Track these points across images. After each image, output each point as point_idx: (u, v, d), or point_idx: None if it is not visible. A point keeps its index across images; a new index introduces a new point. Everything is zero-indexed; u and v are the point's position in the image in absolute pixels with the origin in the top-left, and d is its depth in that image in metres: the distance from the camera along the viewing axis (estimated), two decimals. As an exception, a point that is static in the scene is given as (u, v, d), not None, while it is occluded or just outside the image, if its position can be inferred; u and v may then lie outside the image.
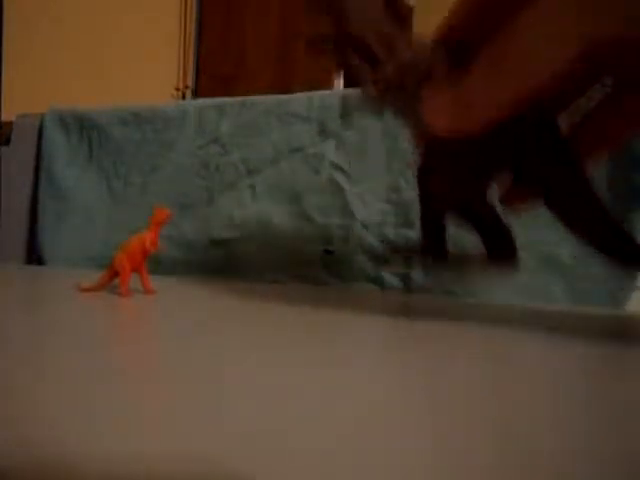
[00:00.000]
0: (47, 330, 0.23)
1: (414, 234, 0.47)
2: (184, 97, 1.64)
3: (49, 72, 1.22)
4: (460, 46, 0.24)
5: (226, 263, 0.52)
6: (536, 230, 0.45)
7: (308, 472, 0.10)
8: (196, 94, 1.69)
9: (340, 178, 0.49)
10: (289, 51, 1.53)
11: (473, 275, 0.24)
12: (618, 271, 0.43)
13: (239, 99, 0.55)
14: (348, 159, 0.49)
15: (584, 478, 0.10)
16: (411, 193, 0.48)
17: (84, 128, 0.60)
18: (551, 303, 0.44)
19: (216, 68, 1.69)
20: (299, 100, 0.52)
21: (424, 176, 0.27)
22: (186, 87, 1.67)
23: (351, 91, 0.52)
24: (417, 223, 0.47)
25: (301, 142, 0.51)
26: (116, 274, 0.34)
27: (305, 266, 0.50)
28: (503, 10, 0.22)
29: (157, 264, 0.53)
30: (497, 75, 0.21)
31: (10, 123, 0.63)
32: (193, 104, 0.58)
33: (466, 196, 0.25)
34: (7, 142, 0.62)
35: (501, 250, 0.26)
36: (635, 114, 0.24)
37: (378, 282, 0.47)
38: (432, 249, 0.28)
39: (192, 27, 1.70)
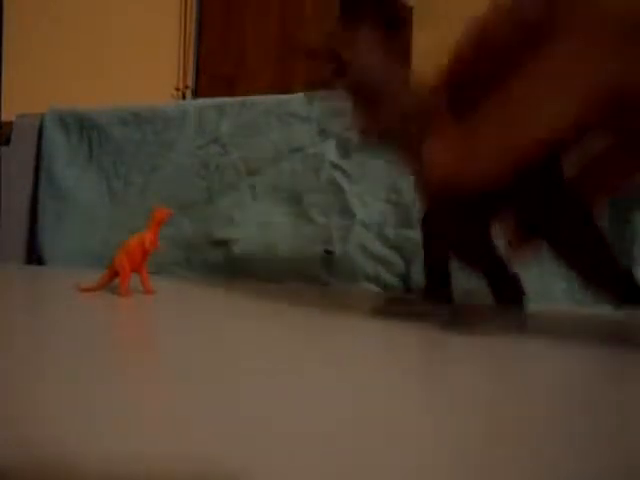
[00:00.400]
0: (47, 330, 0.23)
1: (414, 234, 0.47)
2: (184, 97, 1.64)
3: (49, 72, 1.22)
4: (463, 93, 0.24)
5: (226, 263, 0.52)
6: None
7: (309, 473, 0.10)
8: (196, 94, 1.69)
9: (340, 178, 0.49)
10: (289, 51, 1.52)
11: (479, 324, 0.24)
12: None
13: (239, 99, 0.55)
14: (348, 159, 0.49)
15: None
16: (411, 193, 0.48)
17: (84, 128, 0.60)
18: (551, 303, 0.44)
19: (216, 68, 1.69)
20: (299, 100, 0.52)
21: (428, 220, 0.26)
22: (186, 87, 1.67)
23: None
24: (417, 223, 0.47)
25: (301, 142, 0.51)
26: (116, 274, 0.34)
27: (305, 266, 0.50)
28: (511, 56, 0.21)
29: (157, 264, 0.53)
30: (510, 124, 0.20)
31: (10, 123, 0.63)
32: (193, 104, 0.58)
33: (471, 240, 0.25)
34: (7, 142, 0.62)
35: (509, 295, 0.25)
36: None
37: (378, 282, 0.47)
38: (435, 294, 0.27)
39: (192, 27, 1.70)
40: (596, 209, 0.24)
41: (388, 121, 0.24)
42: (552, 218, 0.24)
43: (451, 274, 0.27)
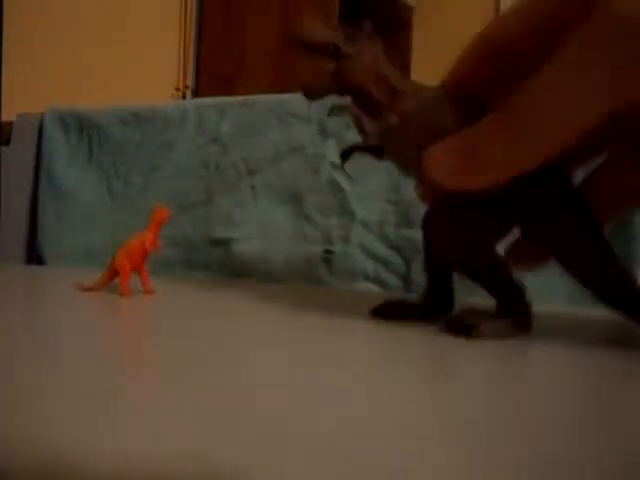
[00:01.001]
0: (47, 330, 0.23)
1: (414, 234, 0.47)
2: (184, 97, 1.64)
3: (49, 72, 1.22)
4: (469, 99, 0.24)
5: (226, 263, 0.52)
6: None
7: (311, 473, 0.10)
8: (196, 94, 1.69)
9: (340, 178, 0.49)
10: (289, 51, 1.53)
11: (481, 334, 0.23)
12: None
13: (239, 99, 0.55)
14: (348, 159, 0.49)
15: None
16: (411, 193, 0.48)
17: (84, 128, 0.60)
18: (551, 303, 0.44)
19: (216, 68, 1.69)
20: (299, 100, 0.52)
21: (429, 225, 0.26)
22: (186, 87, 1.67)
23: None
24: (417, 223, 0.47)
25: (301, 142, 0.51)
26: (116, 274, 0.34)
27: (305, 266, 0.50)
28: (520, 64, 0.21)
29: (157, 264, 0.53)
30: (518, 133, 0.20)
31: (10, 123, 0.63)
32: (193, 104, 0.58)
33: (472, 249, 0.24)
34: (7, 142, 0.62)
35: (513, 308, 0.24)
36: None
37: (378, 282, 0.47)
38: (435, 300, 0.26)
39: (192, 27, 1.70)
40: (605, 223, 0.24)
41: (391, 126, 0.24)
42: (559, 231, 0.23)
43: (452, 282, 0.26)
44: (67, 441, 0.11)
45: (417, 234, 0.48)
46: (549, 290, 0.45)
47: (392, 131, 0.24)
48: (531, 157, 0.20)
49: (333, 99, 0.27)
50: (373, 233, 0.48)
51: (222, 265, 0.52)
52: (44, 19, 1.21)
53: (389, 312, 0.27)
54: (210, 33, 1.72)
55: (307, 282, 0.50)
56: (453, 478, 0.10)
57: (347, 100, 0.26)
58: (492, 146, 0.20)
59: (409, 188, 0.48)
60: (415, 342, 0.23)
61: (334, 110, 0.27)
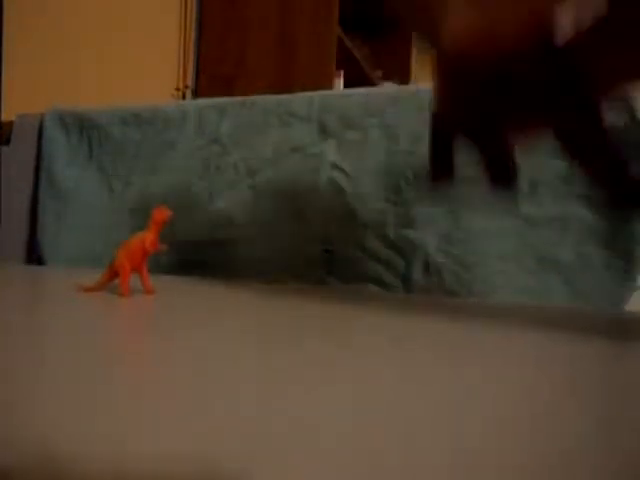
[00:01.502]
0: (47, 330, 0.23)
1: (414, 234, 0.47)
2: (184, 97, 1.64)
3: (49, 72, 1.22)
4: None
5: (226, 263, 0.52)
6: (536, 230, 0.45)
7: (304, 472, 0.10)
8: (196, 94, 1.69)
9: (340, 178, 0.49)
10: (289, 51, 1.53)
11: (475, 198, 0.24)
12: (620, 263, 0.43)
13: (239, 99, 0.55)
14: (348, 159, 0.49)
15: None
16: (411, 193, 0.48)
17: (84, 128, 0.60)
18: (551, 303, 0.44)
19: (216, 68, 1.69)
20: (299, 100, 0.52)
21: (439, 95, 0.26)
22: (186, 87, 1.67)
23: (351, 91, 0.52)
24: (417, 223, 0.48)
25: (301, 142, 0.51)
26: (116, 274, 0.34)
27: (305, 266, 0.50)
28: None
29: (157, 264, 0.53)
30: None
31: (10, 123, 0.63)
32: (193, 104, 0.58)
33: (478, 120, 0.25)
34: (7, 142, 0.62)
35: (503, 177, 0.26)
36: None
37: (378, 282, 0.47)
38: (439, 166, 0.28)
39: (192, 27, 1.70)
40: (603, 104, 0.24)
41: None
42: (561, 109, 0.24)
43: (454, 150, 0.27)
44: (65, 440, 0.11)
45: (417, 234, 0.48)
46: (549, 290, 0.45)
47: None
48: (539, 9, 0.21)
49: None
50: (373, 233, 0.48)
51: (222, 265, 0.52)
52: (44, 19, 1.21)
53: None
54: (210, 33, 1.72)
55: (307, 282, 0.50)
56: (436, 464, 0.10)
57: None
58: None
59: (409, 188, 0.48)
60: (410, 341, 0.23)
61: None
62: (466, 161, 0.27)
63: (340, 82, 1.61)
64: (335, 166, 0.49)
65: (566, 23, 0.22)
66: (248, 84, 1.57)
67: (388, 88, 0.53)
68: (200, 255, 0.53)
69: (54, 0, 1.25)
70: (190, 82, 1.71)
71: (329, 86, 1.32)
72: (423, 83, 0.27)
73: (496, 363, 0.20)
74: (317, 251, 0.49)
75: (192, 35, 1.71)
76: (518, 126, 0.26)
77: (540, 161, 0.46)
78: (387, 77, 2.06)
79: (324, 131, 0.50)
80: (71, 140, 0.59)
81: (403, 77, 2.08)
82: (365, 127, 0.49)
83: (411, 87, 0.52)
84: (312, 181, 0.50)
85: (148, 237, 0.35)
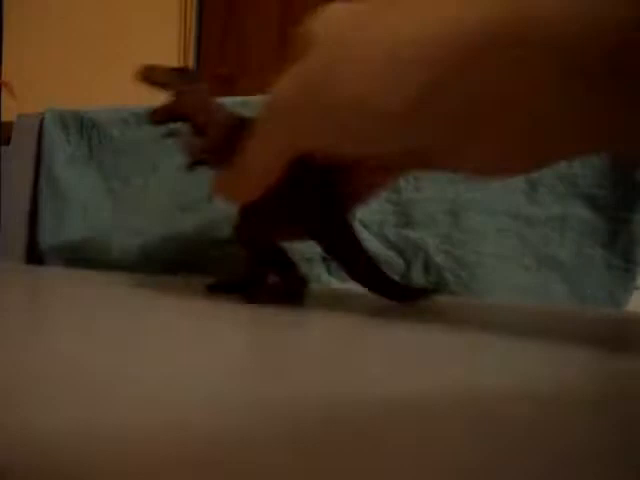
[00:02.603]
0: (47, 330, 0.23)
1: (414, 234, 0.47)
2: (184, 97, 1.63)
3: (49, 72, 1.22)
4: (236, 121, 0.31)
5: (226, 263, 0.52)
6: (536, 230, 0.46)
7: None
8: (196, 94, 1.68)
9: (340, 178, 0.49)
10: (289, 51, 1.53)
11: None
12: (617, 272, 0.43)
13: (239, 99, 0.55)
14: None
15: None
16: (411, 193, 0.48)
17: (84, 128, 0.60)
18: (551, 303, 0.44)
19: (216, 68, 1.69)
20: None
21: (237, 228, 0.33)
22: (186, 87, 1.67)
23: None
24: (417, 223, 0.48)
25: (301, 142, 0.51)
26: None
27: (305, 265, 0.50)
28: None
29: (157, 264, 0.53)
30: (262, 146, 0.26)
31: (10, 123, 0.63)
32: (193, 104, 0.57)
33: (253, 231, 0.31)
34: (7, 142, 0.62)
35: (291, 281, 0.31)
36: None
37: (378, 282, 0.47)
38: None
39: (192, 27, 1.70)
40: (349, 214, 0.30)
41: (210, 147, 0.32)
42: (321, 225, 0.29)
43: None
44: (66, 439, 0.11)
45: (417, 234, 0.48)
46: (549, 290, 0.45)
47: (212, 151, 0.32)
48: (248, 190, 0.28)
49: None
50: (373, 233, 0.48)
51: (222, 265, 0.52)
52: (44, 19, 1.21)
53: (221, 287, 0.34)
54: (210, 33, 1.72)
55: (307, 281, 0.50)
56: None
57: (181, 126, 0.34)
58: (249, 156, 0.27)
59: (409, 188, 0.48)
60: (408, 340, 0.23)
61: (170, 134, 0.37)
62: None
63: (340, 82, 1.60)
64: (335, 166, 0.49)
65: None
66: (248, 84, 1.57)
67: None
68: (200, 255, 0.53)
69: (54, 0, 1.25)
70: (190, 82, 1.70)
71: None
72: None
73: (494, 363, 0.20)
74: (317, 251, 0.49)
75: (192, 35, 1.71)
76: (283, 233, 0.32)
77: (540, 161, 0.46)
78: (387, 77, 2.06)
79: (324, 131, 0.50)
80: (71, 140, 0.59)
81: (403, 77, 2.08)
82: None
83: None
84: (312, 181, 0.50)
85: None
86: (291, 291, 0.31)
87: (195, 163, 0.34)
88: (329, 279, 0.49)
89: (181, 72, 0.34)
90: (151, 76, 0.34)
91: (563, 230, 0.45)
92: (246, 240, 0.32)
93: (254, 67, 1.62)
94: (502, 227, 0.46)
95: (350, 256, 0.30)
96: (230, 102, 0.55)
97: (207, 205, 0.54)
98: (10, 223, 0.60)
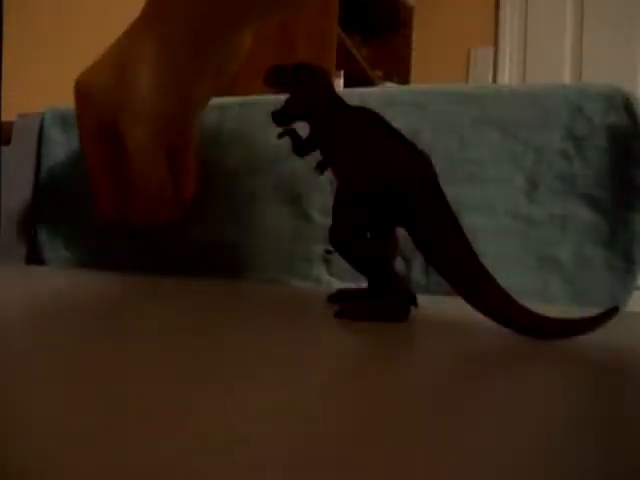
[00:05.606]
0: (46, 330, 0.23)
1: (414, 234, 0.47)
2: (184, 97, 1.63)
3: (49, 72, 1.22)
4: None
5: (226, 263, 0.52)
6: (536, 230, 0.45)
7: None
8: (196, 94, 1.68)
9: (340, 178, 0.49)
10: (289, 51, 1.53)
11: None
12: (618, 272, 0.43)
13: (239, 99, 0.55)
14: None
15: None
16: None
17: (84, 128, 0.60)
18: (551, 303, 0.44)
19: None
20: (299, 100, 0.52)
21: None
22: (186, 87, 1.67)
23: (351, 91, 0.52)
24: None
25: (301, 142, 0.51)
26: None
27: (305, 266, 0.50)
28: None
29: (157, 264, 0.53)
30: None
31: (10, 123, 0.63)
32: (193, 104, 0.57)
33: (349, 235, 0.29)
34: (7, 142, 0.62)
35: (384, 292, 0.28)
36: None
37: (378, 282, 0.47)
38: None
39: (192, 27, 1.70)
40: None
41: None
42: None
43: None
44: (64, 439, 0.11)
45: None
46: (549, 290, 0.45)
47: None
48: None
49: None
50: (373, 233, 0.48)
51: (222, 265, 0.52)
52: (44, 19, 1.21)
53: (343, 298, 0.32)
54: (210, 33, 1.71)
55: (307, 282, 0.50)
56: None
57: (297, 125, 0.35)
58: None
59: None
60: (406, 340, 0.23)
61: (284, 134, 0.37)
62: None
63: (340, 82, 1.61)
64: (335, 166, 0.49)
65: None
66: (248, 84, 1.57)
67: (388, 88, 0.53)
68: (200, 255, 0.53)
69: (54, 0, 1.25)
70: (190, 82, 1.70)
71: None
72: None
73: (491, 362, 0.20)
74: (317, 251, 0.49)
75: (192, 35, 1.71)
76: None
77: (540, 161, 0.46)
78: (387, 77, 2.06)
79: (324, 131, 0.50)
80: (71, 140, 0.59)
81: (403, 77, 2.08)
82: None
83: (411, 87, 0.52)
84: (312, 181, 0.50)
85: None
86: (395, 308, 0.27)
87: (304, 150, 0.35)
88: (329, 279, 0.49)
89: (300, 69, 0.34)
90: (283, 77, 0.34)
91: (563, 230, 0.45)
92: (340, 243, 0.28)
93: (254, 67, 1.62)
94: (502, 227, 0.46)
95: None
96: (230, 102, 0.55)
97: (207, 205, 0.54)
98: (10, 223, 0.60)
